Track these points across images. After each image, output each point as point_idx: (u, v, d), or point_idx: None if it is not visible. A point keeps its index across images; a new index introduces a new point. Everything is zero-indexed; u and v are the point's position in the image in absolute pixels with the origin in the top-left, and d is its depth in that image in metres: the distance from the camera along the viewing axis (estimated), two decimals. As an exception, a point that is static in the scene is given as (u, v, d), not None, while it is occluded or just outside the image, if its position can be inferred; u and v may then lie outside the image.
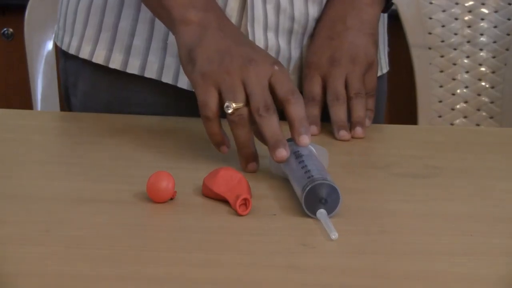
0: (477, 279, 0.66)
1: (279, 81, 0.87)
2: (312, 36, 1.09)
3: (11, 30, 2.17)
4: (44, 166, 0.90)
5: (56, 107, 1.41)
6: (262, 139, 0.87)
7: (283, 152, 0.83)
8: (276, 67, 0.88)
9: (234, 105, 0.86)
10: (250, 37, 1.04)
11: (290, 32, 1.07)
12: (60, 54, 1.17)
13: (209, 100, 0.87)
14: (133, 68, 1.07)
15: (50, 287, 0.62)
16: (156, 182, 0.78)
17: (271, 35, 1.06)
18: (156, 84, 1.07)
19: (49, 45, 1.42)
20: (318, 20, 1.09)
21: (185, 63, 0.92)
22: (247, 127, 0.87)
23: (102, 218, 0.75)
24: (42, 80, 1.43)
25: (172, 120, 1.06)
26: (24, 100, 1.62)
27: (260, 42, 1.05)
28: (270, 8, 1.05)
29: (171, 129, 1.03)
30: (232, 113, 0.86)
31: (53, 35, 1.38)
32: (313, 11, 1.08)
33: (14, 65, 2.16)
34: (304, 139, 0.84)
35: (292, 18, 1.07)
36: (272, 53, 1.06)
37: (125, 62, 1.07)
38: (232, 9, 1.03)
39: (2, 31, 2.17)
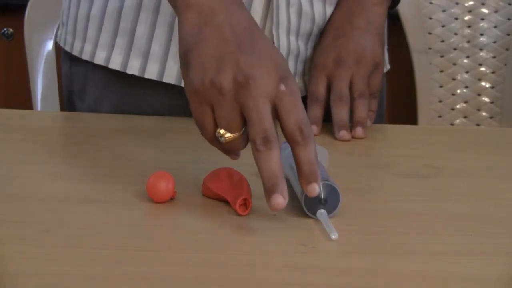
0: (477, 279, 0.66)
1: (285, 108, 0.72)
2: (320, 36, 1.09)
3: (11, 30, 2.17)
4: (44, 166, 0.90)
5: (56, 107, 1.41)
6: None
7: (279, 199, 0.70)
8: (282, 87, 0.73)
9: (226, 136, 0.75)
10: (275, 42, 1.03)
11: (309, 34, 1.07)
12: (65, 58, 1.14)
13: (204, 122, 0.76)
14: (151, 73, 1.05)
15: (50, 287, 0.62)
16: (156, 182, 0.78)
17: (292, 39, 1.05)
18: (172, 88, 1.06)
19: (49, 45, 1.42)
20: (327, 20, 1.09)
21: (181, 63, 0.79)
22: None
23: (102, 218, 0.75)
24: (42, 80, 1.43)
25: (172, 120, 1.06)
26: (24, 100, 1.61)
27: (283, 46, 1.04)
28: (292, 11, 1.04)
29: (171, 129, 1.03)
30: (226, 142, 0.75)
31: (53, 35, 1.38)
32: (330, 12, 1.08)
33: (14, 65, 2.16)
34: (313, 188, 0.73)
35: (313, 21, 1.06)
36: (292, 56, 1.06)
37: (143, 68, 1.05)
38: (256, 13, 1.02)
39: (2, 31, 2.17)
